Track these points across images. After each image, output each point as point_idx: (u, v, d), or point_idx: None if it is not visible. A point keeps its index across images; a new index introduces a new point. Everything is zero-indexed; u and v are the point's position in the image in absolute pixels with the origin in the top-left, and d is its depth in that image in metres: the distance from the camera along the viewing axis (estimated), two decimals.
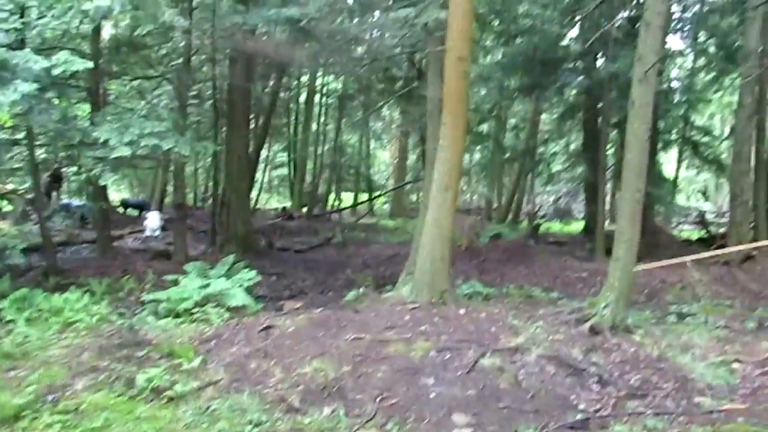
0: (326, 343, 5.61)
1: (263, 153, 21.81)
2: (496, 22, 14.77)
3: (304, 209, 22.35)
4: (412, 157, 25.62)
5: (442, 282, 7.29)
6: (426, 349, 5.49)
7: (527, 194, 22.76)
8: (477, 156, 21.89)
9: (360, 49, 12.76)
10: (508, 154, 20.02)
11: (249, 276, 7.97)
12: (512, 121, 22.43)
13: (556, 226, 18.73)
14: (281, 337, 5.82)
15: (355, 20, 10.76)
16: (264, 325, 6.19)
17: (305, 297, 9.32)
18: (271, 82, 18.31)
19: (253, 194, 19.44)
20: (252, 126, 16.92)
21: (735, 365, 5.57)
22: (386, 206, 25.73)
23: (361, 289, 8.63)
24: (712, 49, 15.73)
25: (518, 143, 21.14)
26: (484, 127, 19.77)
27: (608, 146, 14.84)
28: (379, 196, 25.25)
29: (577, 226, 17.92)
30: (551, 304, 7.86)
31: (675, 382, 5.11)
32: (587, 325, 6.17)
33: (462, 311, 6.71)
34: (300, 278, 11.21)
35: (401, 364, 5.21)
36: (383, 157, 31.19)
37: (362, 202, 24.41)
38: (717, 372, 5.37)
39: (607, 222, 13.92)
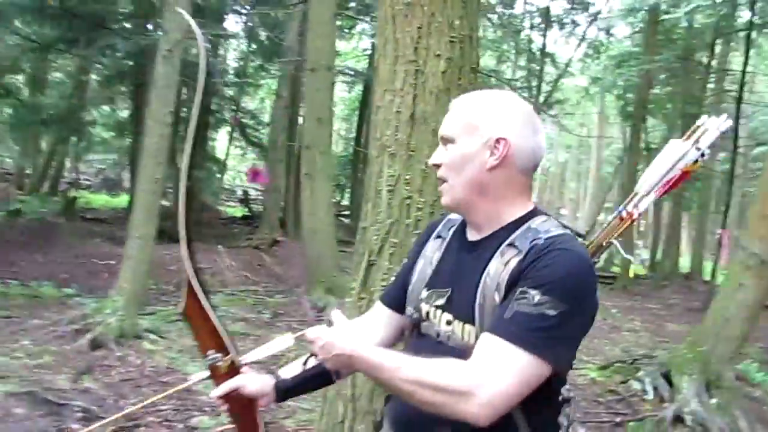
0: None
1: None
2: None
3: None
4: None
5: None
6: None
7: (69, 162, 20.14)
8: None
9: None
10: (44, 115, 17.14)
11: None
12: (58, 77, 19.41)
13: (100, 200, 17.03)
14: None
15: None
16: None
17: None
18: None
19: None
20: None
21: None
22: None
23: None
24: (262, 37, 16.54)
25: (60, 103, 18.39)
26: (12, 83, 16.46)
27: None
28: None
29: (124, 200, 16.64)
30: (60, 307, 6.65)
31: (177, 399, 4.67)
32: (88, 337, 5.27)
33: None
34: None
35: None
36: None
37: None
38: None
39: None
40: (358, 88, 19.07)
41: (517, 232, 1.36)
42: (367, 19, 11.72)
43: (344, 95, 22.64)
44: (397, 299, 1.61)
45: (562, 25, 19.30)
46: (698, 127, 1.47)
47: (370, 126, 2.82)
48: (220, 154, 19.12)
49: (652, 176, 1.48)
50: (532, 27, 18.96)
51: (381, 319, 1.65)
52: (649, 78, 15.07)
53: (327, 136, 8.85)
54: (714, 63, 15.49)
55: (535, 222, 1.37)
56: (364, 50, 18.36)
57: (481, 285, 1.34)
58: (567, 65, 19.44)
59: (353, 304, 2.82)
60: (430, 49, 2.72)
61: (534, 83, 18.39)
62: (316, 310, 7.44)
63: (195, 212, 14.26)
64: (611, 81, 18.88)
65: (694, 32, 14.25)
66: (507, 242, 1.35)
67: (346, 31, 15.01)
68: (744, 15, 13.53)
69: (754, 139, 18.56)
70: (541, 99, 17.28)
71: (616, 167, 22.91)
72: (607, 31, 19.97)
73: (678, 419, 4.91)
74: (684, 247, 23.25)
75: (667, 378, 5.41)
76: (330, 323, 1.44)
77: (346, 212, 18.05)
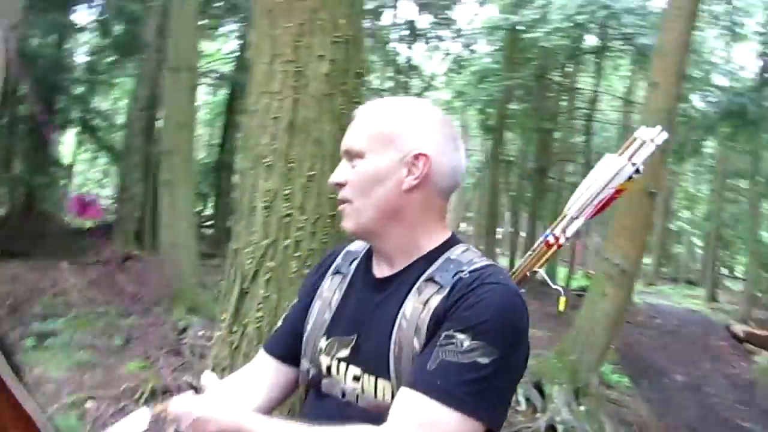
0: None
1: None
2: None
3: None
4: None
5: None
6: None
7: None
8: None
9: None
10: None
11: None
12: None
13: None
14: None
15: None
16: None
17: None
18: None
19: None
20: None
21: (89, 404, 4.80)
22: None
23: None
24: (117, 29, 15.24)
25: None
26: None
27: None
28: None
29: None
30: None
31: None
32: None
33: None
34: None
35: None
36: None
37: None
38: (68, 419, 4.48)
39: None
40: (224, 92, 18.24)
41: (436, 264, 1.13)
42: (235, 19, 11.14)
43: (208, 99, 21.60)
44: (286, 348, 1.30)
45: (427, 40, 19.85)
46: (634, 140, 1.32)
47: (243, 133, 2.46)
48: (67, 158, 17.37)
49: (582, 197, 1.31)
50: (400, 40, 19.26)
51: (266, 373, 1.31)
52: (508, 93, 15.81)
53: (189, 141, 8.27)
54: (565, 81, 16.61)
55: (455, 252, 1.15)
56: (231, 52, 17.59)
57: (395, 330, 1.10)
58: (432, 79, 20.00)
59: (223, 339, 2.44)
60: (312, 48, 2.43)
61: (401, 95, 18.65)
62: (177, 332, 6.79)
63: (35, 222, 12.78)
64: (473, 96, 19.67)
65: (548, 52, 15.15)
66: (425, 277, 1.12)
67: (211, 31, 14.25)
68: (590, 40, 14.67)
69: (599, 154, 20.19)
70: None
71: (477, 179, 23.86)
72: (469, 47, 20.85)
73: (551, 428, 4.99)
74: None
75: (539, 388, 5.51)
76: (198, 389, 1.09)
77: (209, 222, 17.12)
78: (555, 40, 13.13)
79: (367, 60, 2.58)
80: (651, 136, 1.33)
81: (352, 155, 1.17)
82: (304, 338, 1.26)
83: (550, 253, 1.37)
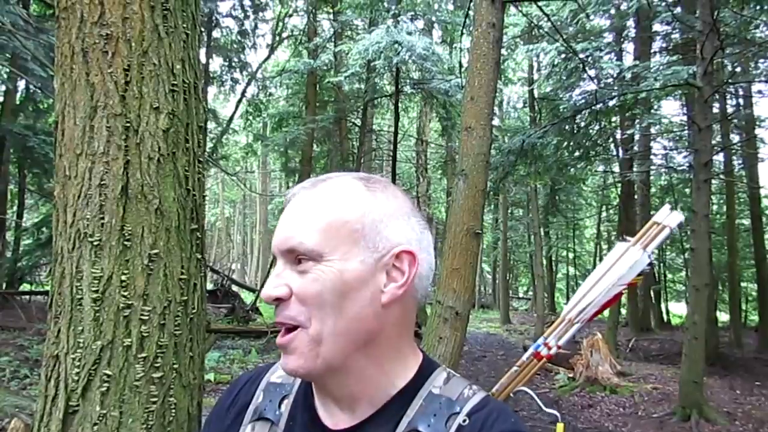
0: None
1: None
2: None
3: None
4: None
5: None
6: None
7: None
8: None
9: None
10: None
11: None
12: None
13: None
14: None
15: None
16: None
17: None
18: None
19: None
20: None
21: None
22: None
23: None
24: None
25: None
26: None
27: None
28: None
29: None
30: None
31: None
32: None
33: None
34: None
35: None
36: None
37: None
38: None
39: None
40: None
41: (415, 405, 0.83)
42: (0, 59, 9.62)
43: None
44: None
45: (221, 83, 19.30)
46: (654, 224, 1.17)
47: (54, 207, 1.93)
48: None
49: (587, 297, 1.12)
50: None
51: None
52: (311, 135, 15.92)
53: None
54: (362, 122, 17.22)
55: (436, 382, 0.85)
56: None
57: None
58: (229, 122, 19.43)
59: None
60: (144, 99, 1.99)
61: None
62: None
63: None
64: (273, 138, 19.49)
65: (349, 95, 15.61)
66: (405, 427, 0.81)
67: None
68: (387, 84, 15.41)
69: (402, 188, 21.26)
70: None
71: None
72: (266, 91, 20.73)
73: None
74: None
75: None
76: None
77: None
78: (355, 84, 13.52)
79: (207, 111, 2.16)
80: (669, 221, 1.20)
81: (299, 256, 0.80)
82: None
83: (538, 366, 1.16)
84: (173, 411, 1.91)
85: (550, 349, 1.18)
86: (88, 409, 1.82)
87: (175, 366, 1.94)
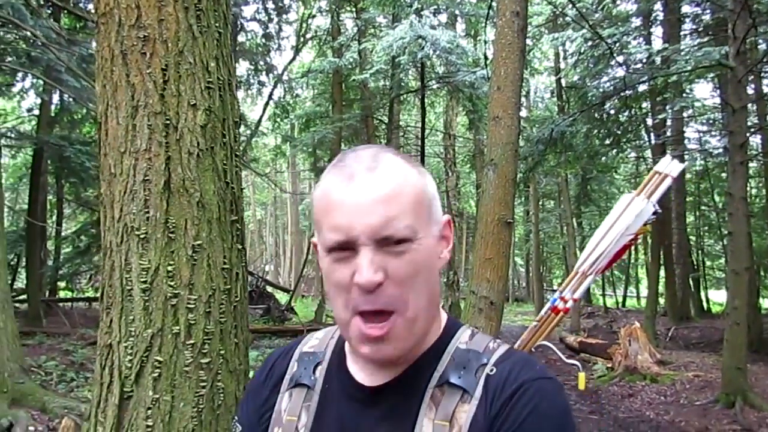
0: None
1: None
2: None
3: None
4: None
5: None
6: None
7: None
8: None
9: None
10: None
11: None
12: None
13: None
14: None
15: None
16: None
17: None
18: None
19: None
20: None
21: None
22: None
23: None
24: None
25: None
26: None
27: None
28: None
29: None
30: None
31: None
32: None
33: None
34: None
35: None
36: None
37: None
38: None
39: None
40: (26, 152, 16.29)
41: (445, 359, 0.87)
42: (35, 72, 9.94)
43: (6, 161, 19.22)
44: None
45: (248, 86, 19.54)
46: (656, 174, 1.20)
47: (101, 204, 2.01)
48: None
49: (597, 249, 1.16)
50: None
51: None
52: (339, 134, 16.02)
53: None
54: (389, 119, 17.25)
55: (462, 338, 0.90)
56: (30, 110, 15.78)
57: None
58: (258, 124, 19.66)
59: None
60: (182, 96, 2.07)
61: None
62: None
63: None
64: (301, 139, 19.67)
65: (374, 92, 15.67)
66: (436, 380, 0.85)
67: (5, 88, 12.60)
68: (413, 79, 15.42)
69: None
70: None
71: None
72: (292, 92, 20.93)
73: None
74: None
75: None
76: None
77: (21, 296, 14.95)
78: (380, 81, 13.56)
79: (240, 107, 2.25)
80: (669, 169, 1.23)
81: (398, 239, 0.80)
82: None
83: (557, 320, 1.20)
84: (222, 395, 1.98)
85: (566, 302, 1.21)
86: (142, 395, 1.91)
87: (222, 352, 2.02)
